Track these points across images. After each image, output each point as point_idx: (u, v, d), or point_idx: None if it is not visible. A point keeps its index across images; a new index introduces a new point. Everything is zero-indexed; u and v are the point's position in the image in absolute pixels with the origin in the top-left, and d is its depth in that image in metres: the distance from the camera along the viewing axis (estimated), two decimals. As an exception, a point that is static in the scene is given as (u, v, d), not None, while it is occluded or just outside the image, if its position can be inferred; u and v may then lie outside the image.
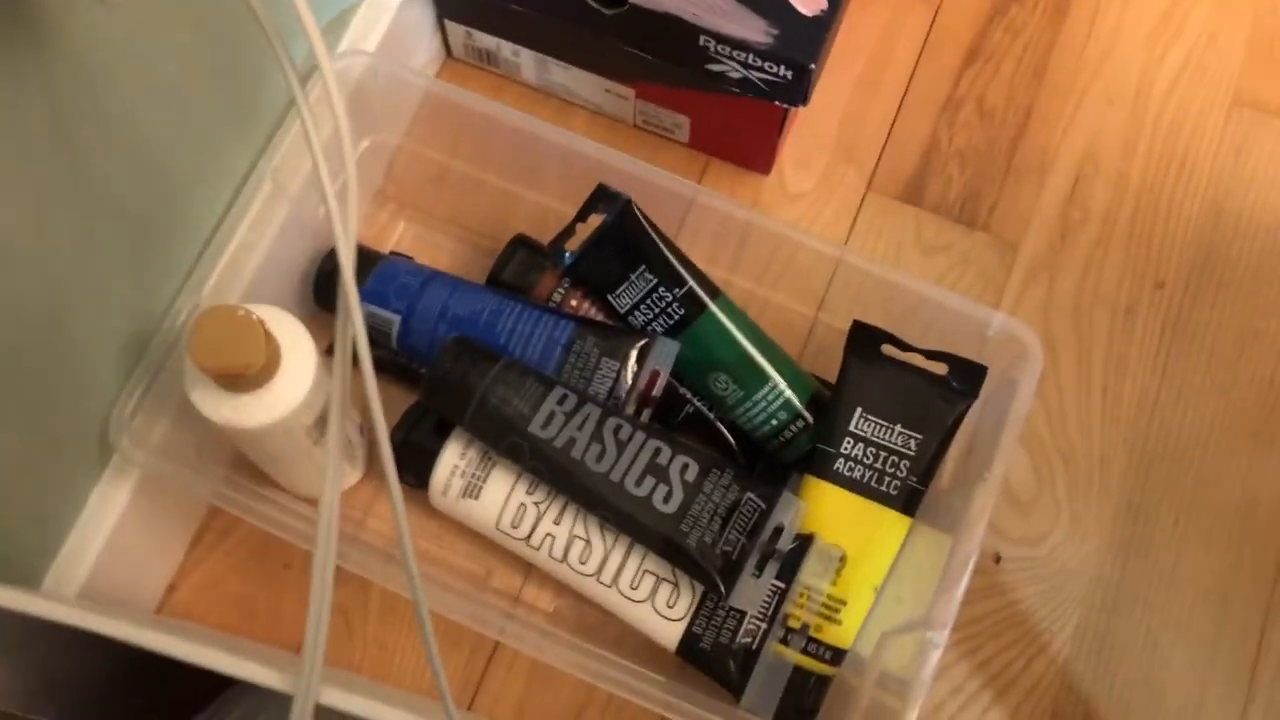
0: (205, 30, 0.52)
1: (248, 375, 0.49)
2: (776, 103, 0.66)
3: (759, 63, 0.63)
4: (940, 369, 0.59)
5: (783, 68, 0.63)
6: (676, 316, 0.61)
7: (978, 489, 0.55)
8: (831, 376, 0.61)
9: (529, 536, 0.59)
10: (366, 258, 0.65)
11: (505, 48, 0.73)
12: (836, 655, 0.57)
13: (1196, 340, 0.72)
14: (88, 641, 0.44)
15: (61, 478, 0.54)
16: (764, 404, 0.62)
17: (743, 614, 0.57)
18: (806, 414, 0.62)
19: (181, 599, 0.64)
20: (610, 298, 0.62)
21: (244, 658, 0.41)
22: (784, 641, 0.58)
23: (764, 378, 0.62)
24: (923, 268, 0.73)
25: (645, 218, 0.61)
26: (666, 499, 0.56)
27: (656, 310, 0.61)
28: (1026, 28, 0.80)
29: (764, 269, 0.65)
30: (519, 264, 0.65)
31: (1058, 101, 0.78)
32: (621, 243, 0.61)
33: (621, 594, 0.58)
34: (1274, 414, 0.70)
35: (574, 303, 0.64)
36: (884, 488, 0.58)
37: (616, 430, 0.57)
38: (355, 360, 0.46)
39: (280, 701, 0.45)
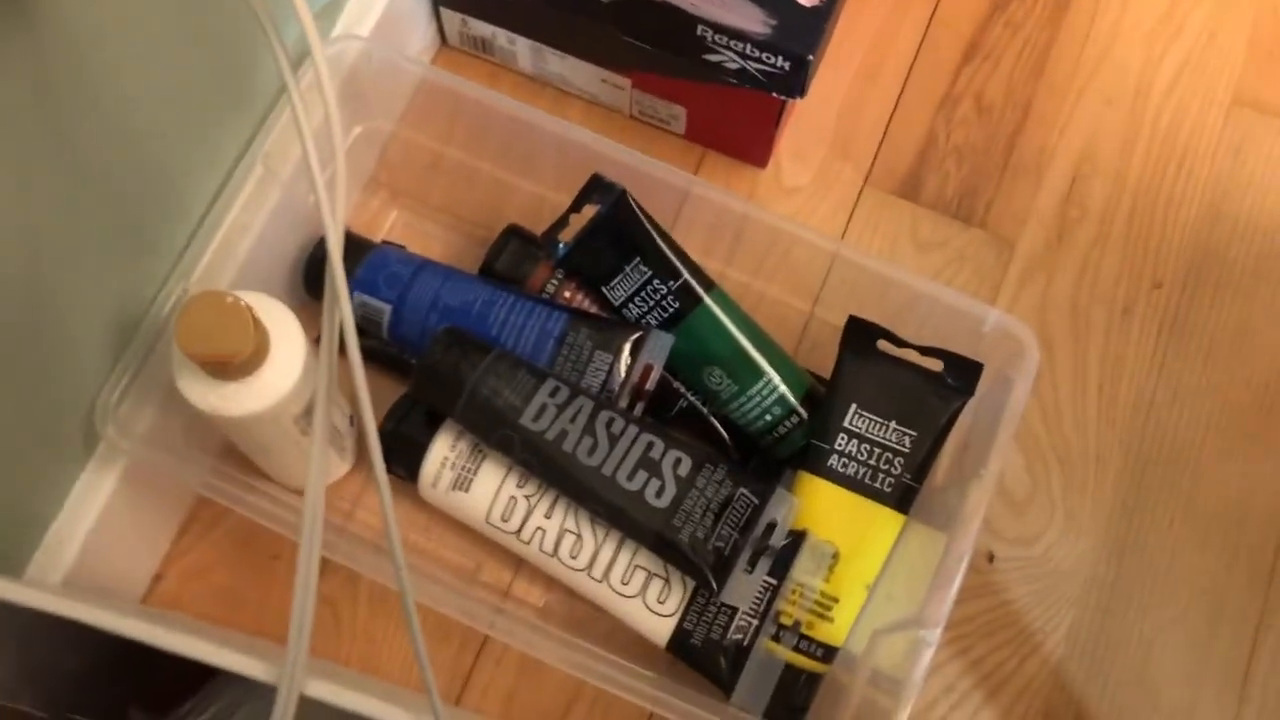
0: (198, 10, 0.52)
1: (235, 363, 0.48)
2: (774, 94, 0.65)
3: (757, 53, 0.62)
4: (936, 365, 0.59)
5: (781, 59, 0.62)
6: (671, 309, 0.61)
7: (972, 487, 0.55)
8: (826, 372, 0.61)
9: (519, 530, 0.58)
10: (357, 246, 0.65)
11: (501, 35, 0.72)
12: (828, 653, 0.57)
13: (1193, 340, 0.72)
14: (70, 630, 0.43)
15: (46, 465, 0.54)
16: (758, 399, 0.61)
17: (734, 610, 0.57)
18: (801, 410, 0.61)
19: (168, 589, 0.63)
20: (604, 290, 0.61)
21: (228, 648, 0.41)
22: (775, 638, 0.57)
23: (758, 372, 0.61)
24: (918, 264, 0.73)
25: (640, 209, 0.60)
26: (659, 494, 0.55)
27: (651, 303, 0.61)
28: (1026, 24, 0.80)
29: (760, 262, 0.64)
30: (512, 254, 0.65)
31: (1056, 99, 0.78)
32: (616, 234, 0.60)
33: (612, 589, 0.58)
34: (1270, 415, 0.70)
35: (567, 294, 0.63)
36: (878, 485, 0.58)
37: (609, 424, 0.57)
38: (343, 350, 0.46)
39: (265, 693, 0.44)
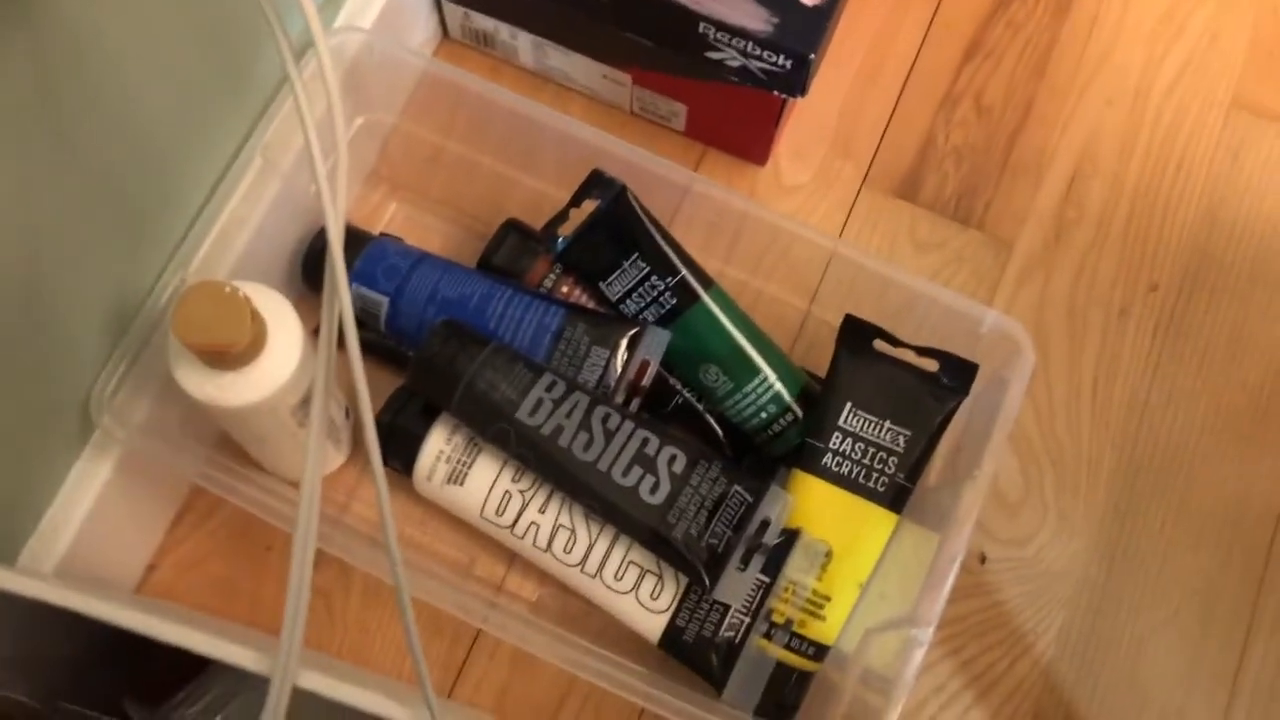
0: (199, 1, 0.52)
1: (232, 353, 0.48)
2: (775, 93, 0.65)
3: (758, 51, 0.62)
4: (931, 365, 0.59)
5: (782, 57, 0.62)
6: (668, 306, 0.61)
7: (966, 487, 0.55)
8: (822, 370, 0.61)
9: (513, 525, 0.58)
10: (356, 238, 0.65)
11: (503, 30, 0.72)
12: (820, 651, 0.57)
13: (1189, 343, 0.72)
14: (63, 619, 0.43)
15: (41, 453, 0.54)
16: (754, 397, 0.61)
17: (726, 607, 0.57)
18: (796, 408, 0.61)
19: (161, 579, 0.63)
20: (602, 285, 0.62)
21: (222, 639, 0.41)
22: (767, 636, 0.57)
23: (754, 370, 0.61)
24: (917, 264, 0.73)
25: (640, 205, 0.60)
26: (653, 490, 0.55)
27: (648, 299, 0.61)
28: (1027, 24, 0.79)
29: (758, 260, 0.64)
30: (510, 248, 0.65)
31: (1057, 100, 0.78)
32: (615, 229, 0.60)
33: (605, 585, 0.58)
34: (1264, 419, 0.70)
35: (565, 289, 0.63)
36: (872, 484, 0.58)
37: (605, 419, 0.57)
38: (342, 342, 0.46)
39: (258, 684, 0.44)
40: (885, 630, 0.55)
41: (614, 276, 0.61)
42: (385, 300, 0.62)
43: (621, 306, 0.62)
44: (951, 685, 0.64)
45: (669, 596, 0.57)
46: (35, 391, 0.51)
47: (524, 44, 0.73)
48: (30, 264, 0.47)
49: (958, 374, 0.59)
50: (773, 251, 0.64)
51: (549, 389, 0.57)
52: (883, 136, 0.76)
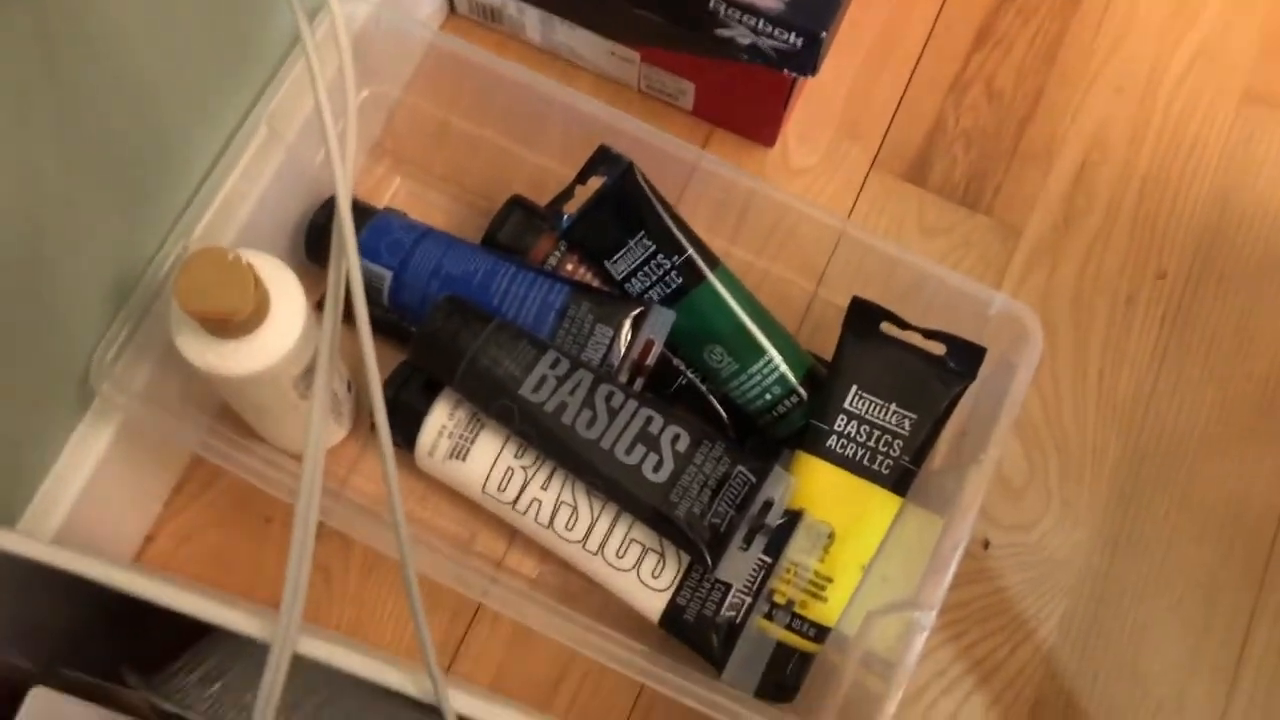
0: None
1: (234, 321, 0.48)
2: (785, 72, 0.64)
3: (769, 29, 0.62)
4: (938, 349, 0.59)
5: (793, 35, 0.62)
6: (674, 285, 0.60)
7: (970, 472, 0.55)
8: (829, 352, 0.60)
9: (515, 500, 0.58)
10: (360, 211, 0.64)
11: (510, 4, 0.72)
12: (820, 632, 0.57)
13: (1196, 332, 0.72)
14: (62, 585, 0.43)
15: (41, 419, 0.53)
16: (758, 378, 0.61)
17: (728, 587, 0.56)
18: (801, 390, 0.61)
19: (159, 549, 0.63)
20: (607, 263, 0.61)
21: (222, 605, 0.40)
22: (768, 617, 0.57)
23: (760, 351, 0.61)
24: (924, 249, 0.72)
25: (647, 182, 0.60)
26: (656, 468, 0.55)
27: (654, 278, 0.60)
28: (1039, 11, 0.79)
29: (765, 240, 0.64)
30: (515, 225, 0.64)
31: (1067, 87, 0.77)
32: (621, 207, 0.60)
33: (607, 562, 0.57)
34: (1270, 410, 0.70)
35: (570, 267, 0.63)
36: (876, 466, 0.58)
37: (609, 397, 0.56)
38: (345, 313, 0.46)
39: (255, 654, 0.44)
40: (887, 613, 0.54)
41: (619, 255, 0.61)
42: (389, 274, 0.62)
43: (626, 285, 0.61)
44: (952, 670, 0.64)
45: (670, 575, 0.57)
46: (36, 357, 0.51)
47: (531, 19, 0.72)
48: (32, 230, 0.47)
49: (965, 358, 0.58)
50: (780, 231, 0.63)
51: (553, 366, 0.57)
52: (892, 119, 0.76)
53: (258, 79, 0.59)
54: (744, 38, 0.63)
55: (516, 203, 0.65)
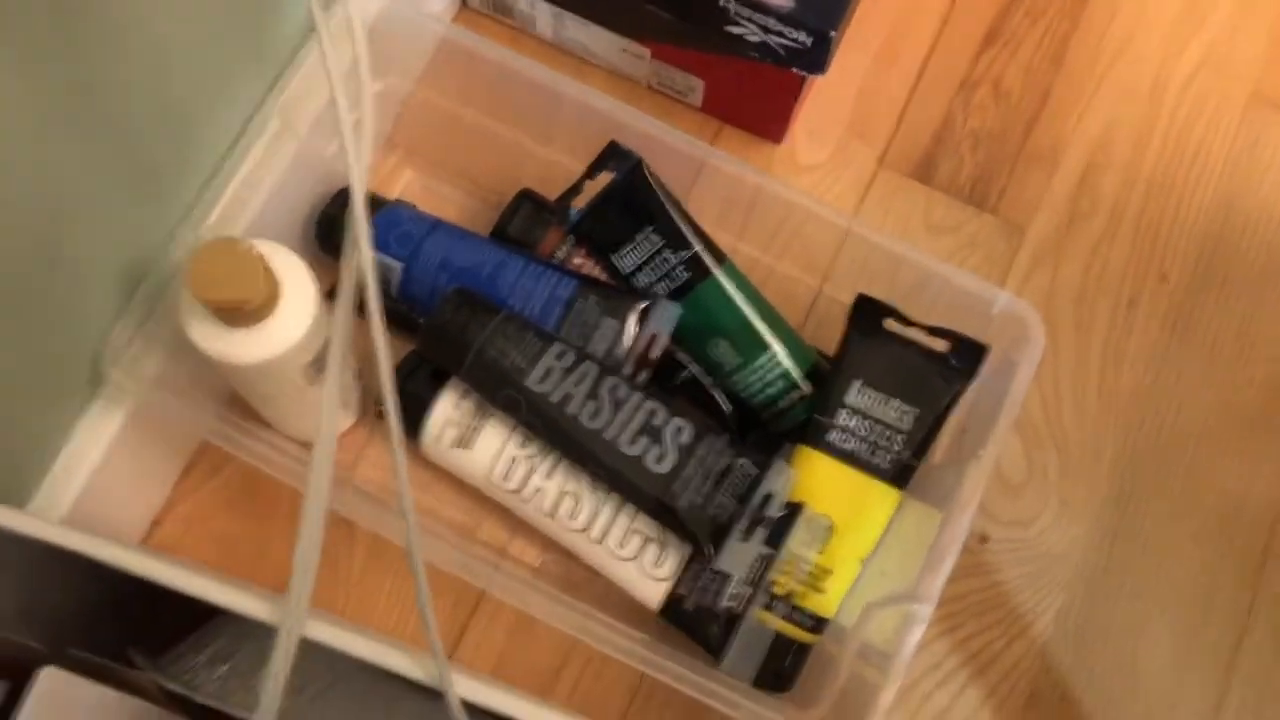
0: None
1: (245, 310, 0.48)
2: (794, 70, 0.65)
3: (779, 27, 0.62)
4: (941, 346, 0.59)
5: (803, 33, 0.62)
6: (680, 280, 0.61)
7: (970, 468, 0.55)
8: (833, 348, 0.61)
9: (519, 490, 0.59)
10: (371, 203, 0.64)
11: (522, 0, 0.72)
12: (819, 624, 0.58)
13: (1196, 335, 0.72)
14: (71, 567, 0.44)
15: (51, 404, 0.54)
16: (762, 373, 0.61)
17: (728, 578, 0.57)
18: (804, 385, 0.62)
19: (166, 534, 0.64)
20: (614, 258, 0.62)
21: (230, 587, 0.41)
22: (767, 608, 0.58)
23: (764, 346, 0.61)
24: (930, 247, 0.73)
25: (655, 178, 0.60)
26: (659, 460, 0.56)
27: (660, 272, 0.61)
28: (1048, 12, 0.79)
29: (772, 236, 0.65)
30: (524, 219, 0.65)
31: (1074, 88, 0.77)
32: (629, 202, 0.60)
33: (609, 551, 0.58)
34: (1268, 412, 0.70)
35: (578, 261, 0.63)
36: (877, 461, 0.58)
37: (613, 389, 0.57)
38: (357, 305, 0.46)
39: (262, 637, 0.45)
40: (885, 605, 0.55)
41: (627, 249, 0.61)
42: (399, 266, 0.63)
43: (633, 279, 0.62)
44: (948, 664, 0.65)
45: (671, 565, 0.58)
46: (48, 342, 0.52)
47: (543, 14, 0.73)
48: (47, 217, 0.48)
49: (967, 355, 0.59)
50: (786, 228, 0.64)
51: (559, 358, 0.57)
52: (900, 118, 0.76)
53: (271, 70, 0.59)
54: (754, 35, 0.64)
55: (526, 196, 0.66)
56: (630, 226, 0.61)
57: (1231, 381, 0.71)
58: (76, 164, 0.48)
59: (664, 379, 0.63)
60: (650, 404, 0.57)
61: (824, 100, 0.76)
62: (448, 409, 0.59)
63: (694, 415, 0.57)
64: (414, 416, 0.60)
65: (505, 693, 0.42)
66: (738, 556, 0.55)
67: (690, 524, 0.55)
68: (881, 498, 0.58)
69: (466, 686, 0.42)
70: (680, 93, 0.74)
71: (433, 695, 0.43)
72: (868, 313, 0.60)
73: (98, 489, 0.57)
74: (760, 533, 0.56)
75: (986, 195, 0.75)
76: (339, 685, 0.45)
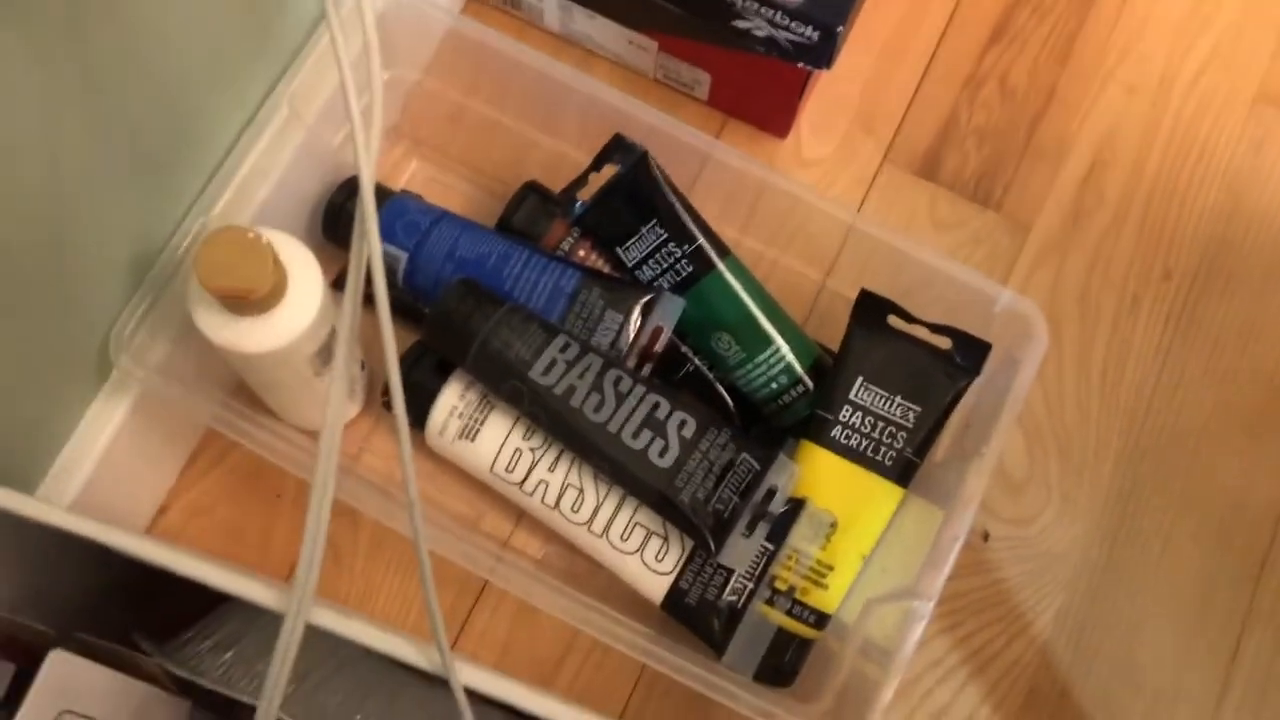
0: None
1: (253, 298, 0.48)
2: (800, 64, 0.65)
3: (786, 21, 0.62)
4: (944, 343, 0.59)
5: (810, 28, 0.62)
6: (684, 273, 0.61)
7: (972, 465, 0.56)
8: (835, 344, 0.61)
9: (523, 482, 0.59)
10: (378, 193, 0.64)
11: (529, -9, 0.72)
12: (820, 619, 0.58)
13: (1200, 333, 0.72)
14: (78, 552, 0.44)
15: (59, 390, 0.54)
16: (765, 367, 0.62)
17: (730, 572, 0.57)
18: (807, 380, 0.62)
19: (171, 521, 0.64)
20: (619, 250, 0.62)
21: (237, 575, 0.41)
22: (769, 602, 0.58)
23: (767, 341, 0.61)
24: (934, 243, 0.73)
25: (661, 171, 0.60)
26: (662, 453, 0.56)
27: (664, 266, 0.61)
28: (1054, 9, 0.79)
29: (776, 231, 0.65)
30: (529, 210, 0.65)
31: (1080, 86, 0.77)
32: (634, 195, 0.60)
33: (611, 544, 0.58)
34: (1271, 411, 0.71)
35: (582, 253, 0.63)
36: (879, 458, 0.59)
37: (617, 382, 0.57)
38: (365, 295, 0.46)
39: (266, 625, 0.45)
40: (886, 602, 0.55)
41: (631, 242, 0.61)
42: (404, 256, 0.63)
43: (637, 272, 0.62)
44: (948, 660, 0.65)
45: (674, 559, 0.58)
46: (57, 330, 0.52)
47: (550, 6, 0.73)
48: (56, 205, 0.48)
49: (970, 353, 0.59)
50: (790, 223, 0.64)
51: (563, 350, 0.57)
52: (905, 114, 0.76)
53: (280, 60, 0.60)
54: (761, 30, 0.64)
55: (531, 188, 0.66)
56: (635, 219, 0.61)
57: (1234, 380, 0.71)
58: (85, 152, 0.48)
59: (667, 373, 0.63)
60: (654, 397, 0.57)
61: (829, 95, 0.76)
62: (452, 400, 0.60)
63: (697, 409, 0.58)
64: (418, 407, 0.60)
65: (508, 681, 0.42)
66: (740, 551, 0.56)
67: (693, 518, 0.55)
68: (884, 495, 0.58)
69: (469, 674, 0.42)
70: (686, 86, 0.74)
71: (436, 683, 0.44)
72: (871, 309, 0.60)
73: (104, 476, 0.57)
74: (763, 528, 0.56)
75: (991, 192, 0.75)
76: (343, 673, 0.45)
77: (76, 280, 0.51)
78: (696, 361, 0.64)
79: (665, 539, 0.58)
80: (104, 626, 0.47)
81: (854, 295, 0.60)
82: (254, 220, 0.58)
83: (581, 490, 0.58)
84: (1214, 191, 0.76)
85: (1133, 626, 0.66)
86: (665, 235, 0.61)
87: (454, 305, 0.58)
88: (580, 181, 0.62)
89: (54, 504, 0.55)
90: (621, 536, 0.58)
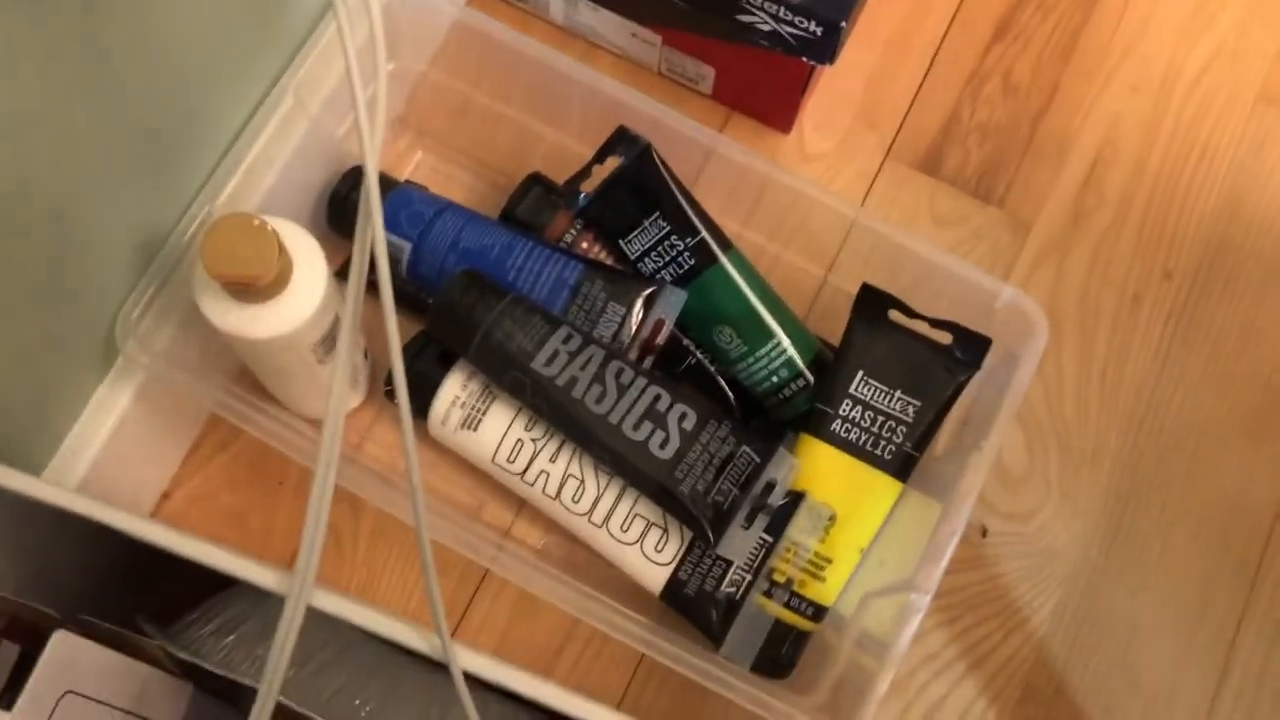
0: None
1: (258, 286, 0.49)
2: (803, 59, 0.65)
3: (790, 16, 0.63)
4: (945, 338, 0.60)
5: (813, 23, 0.62)
6: (686, 266, 0.61)
7: (971, 460, 0.56)
8: (836, 338, 0.61)
9: (524, 472, 0.59)
10: (382, 183, 0.65)
11: (535, -16, 0.73)
12: (818, 611, 0.58)
13: (1200, 333, 0.72)
14: (82, 535, 0.45)
15: (64, 375, 0.55)
16: (766, 360, 0.62)
17: (729, 564, 0.58)
18: (808, 373, 0.62)
19: (174, 507, 0.65)
20: (622, 243, 0.62)
21: (240, 558, 0.42)
22: (767, 594, 0.58)
23: (768, 334, 0.62)
24: (935, 239, 0.73)
25: (664, 164, 0.61)
26: (663, 445, 0.56)
27: (667, 258, 0.62)
28: (1059, 7, 0.79)
29: (778, 225, 0.65)
30: (533, 202, 0.65)
31: (1083, 84, 0.78)
32: (637, 187, 0.61)
33: (611, 535, 0.59)
34: (1269, 411, 0.71)
35: (585, 245, 0.64)
36: (879, 451, 0.59)
37: (618, 374, 0.57)
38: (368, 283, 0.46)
39: (268, 610, 0.45)
40: (884, 595, 0.56)
41: (634, 234, 0.62)
42: (408, 246, 0.63)
43: (640, 265, 0.62)
44: (945, 655, 0.65)
45: (673, 550, 0.58)
46: (62, 313, 0.52)
47: (556, -1, 0.73)
48: (62, 191, 0.48)
49: (971, 348, 0.59)
50: (793, 217, 0.64)
51: (565, 341, 0.58)
52: (908, 109, 0.76)
53: (286, 49, 0.60)
54: (764, 24, 0.64)
55: (535, 180, 0.66)
56: (638, 212, 0.61)
57: (1233, 380, 0.72)
58: (95, 139, 0.48)
59: (668, 365, 0.63)
60: (655, 389, 0.57)
61: (833, 90, 0.76)
62: (455, 390, 0.60)
63: (698, 401, 0.58)
64: (421, 397, 0.60)
65: (507, 667, 0.43)
66: (739, 543, 0.56)
67: (692, 509, 0.55)
68: (883, 488, 0.59)
69: (470, 660, 0.42)
70: (690, 80, 0.74)
71: (436, 670, 0.44)
72: (872, 303, 0.60)
73: (109, 460, 0.57)
74: (761, 520, 0.56)
75: (993, 188, 0.75)
76: (344, 657, 0.45)
77: (83, 266, 0.52)
78: (698, 354, 0.64)
79: (665, 530, 0.58)
80: (107, 609, 0.47)
81: (855, 290, 0.61)
82: (259, 208, 0.58)
83: (582, 481, 0.59)
84: (1215, 191, 0.76)
85: (1130, 624, 0.67)
86: (668, 228, 0.61)
87: (458, 296, 0.59)
88: (584, 174, 0.63)
89: (61, 486, 0.55)
90: (621, 527, 0.58)
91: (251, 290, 0.49)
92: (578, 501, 0.59)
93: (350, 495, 0.55)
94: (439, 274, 0.62)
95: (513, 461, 0.59)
